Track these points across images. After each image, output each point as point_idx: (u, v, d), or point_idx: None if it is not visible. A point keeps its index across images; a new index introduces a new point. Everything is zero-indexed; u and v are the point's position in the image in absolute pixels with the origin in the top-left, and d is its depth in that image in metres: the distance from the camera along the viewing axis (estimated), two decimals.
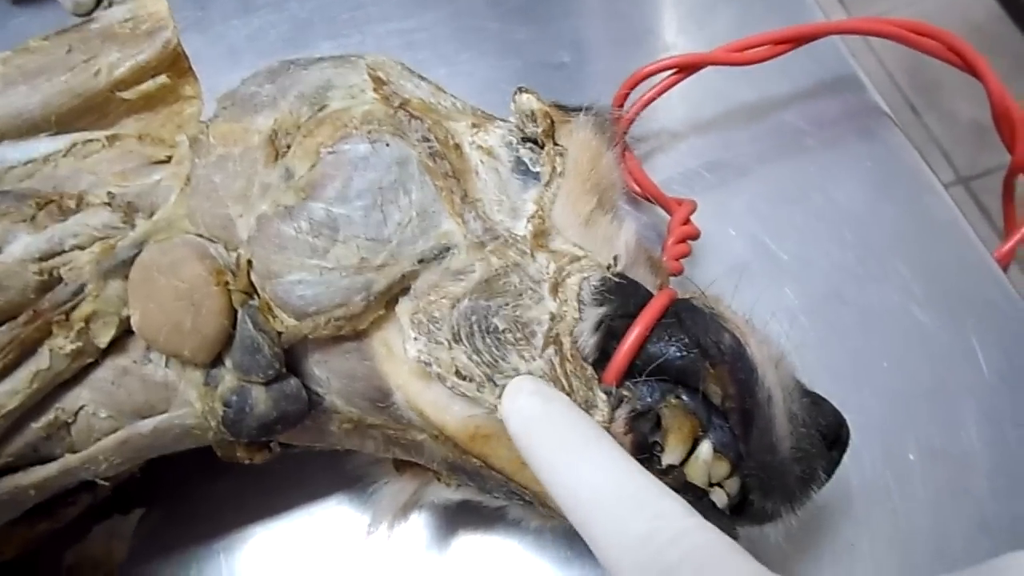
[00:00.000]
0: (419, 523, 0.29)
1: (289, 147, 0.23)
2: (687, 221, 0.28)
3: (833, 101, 0.34)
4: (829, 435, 0.21)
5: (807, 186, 0.33)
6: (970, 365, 0.29)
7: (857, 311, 0.30)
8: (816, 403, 0.22)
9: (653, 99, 0.31)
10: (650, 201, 0.31)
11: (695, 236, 0.28)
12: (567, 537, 0.28)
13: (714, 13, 0.38)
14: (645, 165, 0.33)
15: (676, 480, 0.21)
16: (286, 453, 0.25)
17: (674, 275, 0.26)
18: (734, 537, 0.16)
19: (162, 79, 0.28)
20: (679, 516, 0.15)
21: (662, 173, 0.33)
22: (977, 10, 1.35)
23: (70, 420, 0.23)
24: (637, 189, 0.31)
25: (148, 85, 0.28)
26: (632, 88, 0.31)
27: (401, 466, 0.26)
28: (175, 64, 0.28)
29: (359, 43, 0.38)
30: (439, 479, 0.25)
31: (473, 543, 0.28)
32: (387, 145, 0.22)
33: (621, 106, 0.31)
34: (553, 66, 0.37)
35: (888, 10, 1.38)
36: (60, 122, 0.27)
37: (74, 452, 0.23)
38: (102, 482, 0.24)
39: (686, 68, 0.31)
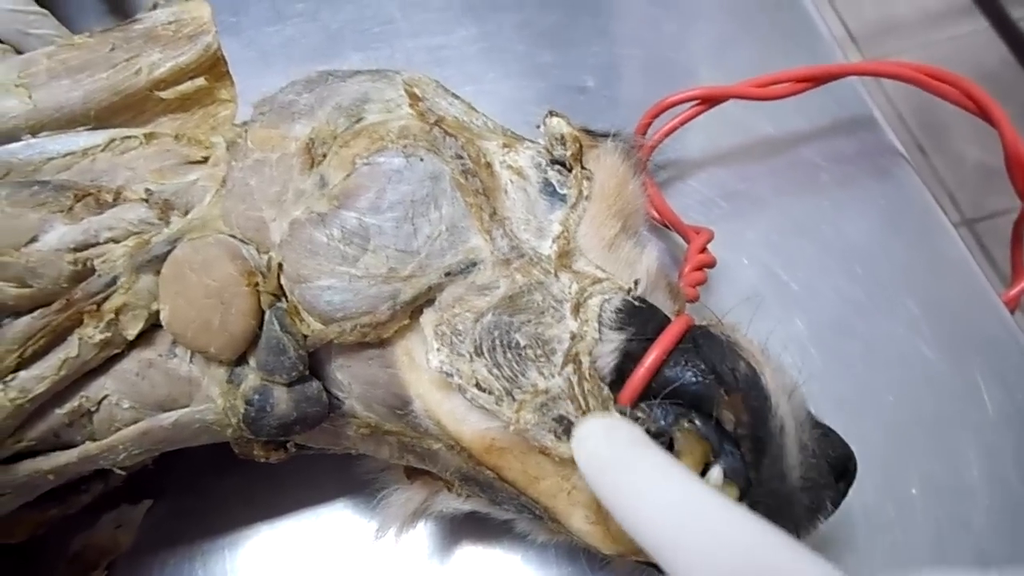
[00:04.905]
0: (423, 532, 0.29)
1: (325, 156, 0.23)
2: (704, 249, 0.28)
3: (849, 139, 0.35)
4: (837, 467, 0.22)
5: (820, 220, 0.34)
6: (973, 402, 0.30)
7: (864, 344, 0.31)
8: (826, 435, 0.22)
9: (675, 128, 0.32)
10: (668, 228, 0.32)
11: (711, 264, 0.28)
12: (570, 554, 0.28)
13: (735, 46, 0.39)
14: (664, 192, 0.34)
15: None
16: (299, 454, 0.26)
17: (690, 302, 0.27)
18: None
19: (200, 81, 0.29)
20: (768, 548, 0.15)
21: (680, 200, 0.34)
22: (989, 56, 1.36)
23: (93, 409, 0.24)
24: (656, 215, 0.32)
25: (186, 86, 0.28)
26: (655, 117, 0.32)
27: (412, 474, 0.26)
28: (214, 67, 0.29)
29: (388, 56, 0.39)
30: (450, 489, 0.25)
31: (476, 554, 0.29)
32: (421, 160, 0.22)
33: (644, 134, 0.32)
34: (576, 89, 0.38)
35: (900, 50, 1.40)
36: (99, 117, 0.28)
37: (94, 440, 0.24)
38: (118, 471, 0.25)
39: (709, 100, 0.32)
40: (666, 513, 0.16)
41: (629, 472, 0.17)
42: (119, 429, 0.24)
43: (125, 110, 0.28)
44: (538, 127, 0.38)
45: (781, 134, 0.35)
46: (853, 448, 0.23)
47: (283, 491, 0.30)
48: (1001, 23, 1.37)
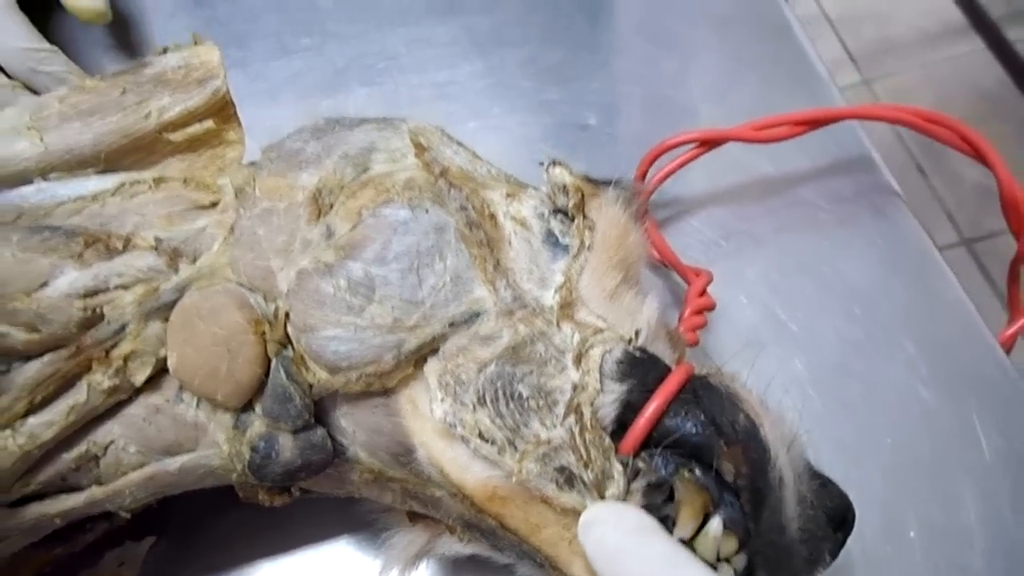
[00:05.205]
0: (425, 573, 0.29)
1: (332, 206, 0.24)
2: (704, 292, 0.29)
3: (847, 179, 0.35)
4: (835, 518, 0.22)
5: (818, 260, 0.34)
6: (970, 444, 0.30)
7: (863, 385, 0.31)
8: (824, 485, 0.22)
9: (675, 170, 0.32)
10: (668, 267, 0.32)
11: (711, 308, 0.29)
12: None
13: (736, 84, 0.40)
14: (664, 230, 0.35)
15: None
16: (303, 497, 0.26)
17: (690, 346, 0.27)
18: None
19: (208, 124, 0.29)
20: None
21: (680, 239, 0.34)
22: (987, 76, 1.38)
23: (100, 453, 0.24)
24: (656, 255, 0.32)
25: (194, 128, 0.29)
26: (656, 158, 0.32)
27: (414, 516, 0.26)
28: (222, 110, 0.29)
29: (393, 92, 0.40)
30: (452, 532, 0.25)
31: None
32: (427, 212, 0.23)
33: (644, 175, 0.32)
34: (579, 126, 0.39)
35: (899, 70, 1.41)
36: (108, 159, 0.28)
37: (101, 484, 0.24)
38: (124, 514, 0.25)
39: (708, 142, 0.32)
40: None
41: (636, 561, 0.18)
42: (125, 473, 0.24)
43: (134, 152, 0.29)
44: (541, 163, 0.39)
45: (780, 174, 0.36)
46: (852, 491, 0.24)
47: (285, 528, 0.30)
48: (998, 44, 1.38)
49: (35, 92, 0.37)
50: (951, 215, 1.25)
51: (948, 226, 1.24)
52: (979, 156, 0.33)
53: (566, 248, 0.24)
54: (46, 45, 0.37)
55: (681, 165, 0.32)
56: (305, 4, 0.43)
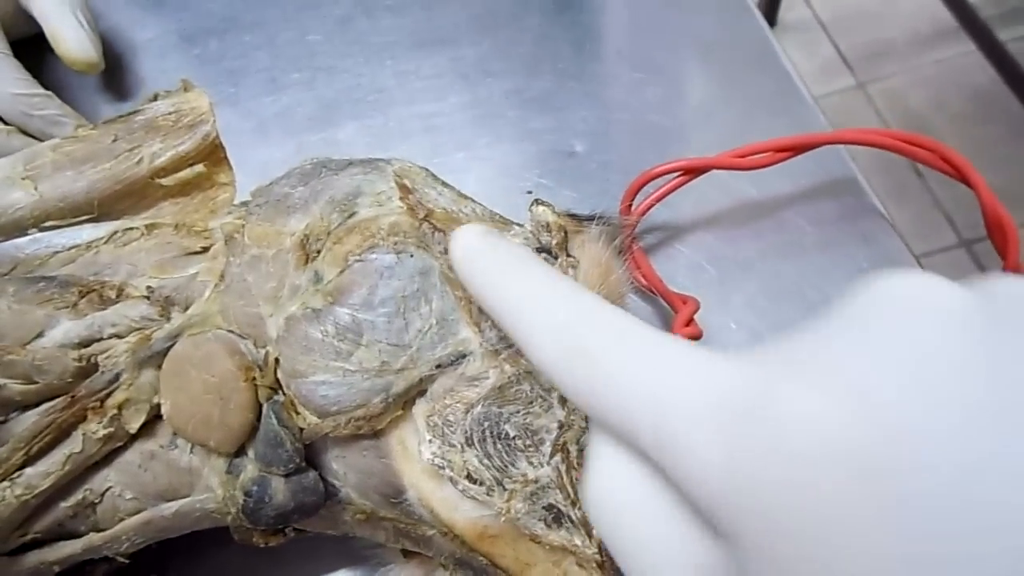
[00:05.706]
0: None
1: (319, 252, 0.24)
2: (690, 322, 0.29)
3: (832, 202, 0.36)
4: None
5: (804, 283, 0.34)
6: None
7: None
8: None
9: (659, 199, 0.33)
10: (656, 294, 0.33)
11: (697, 337, 0.29)
12: None
13: (721, 109, 0.40)
14: (651, 256, 0.35)
15: None
16: (297, 537, 0.26)
17: None
18: None
19: (199, 168, 0.30)
20: (598, 308, 0.17)
21: (667, 264, 0.35)
22: (981, 76, 1.38)
23: (97, 500, 0.24)
24: (643, 282, 0.33)
25: (186, 173, 0.30)
26: (640, 188, 0.33)
27: (408, 553, 0.27)
28: (212, 154, 0.30)
29: (383, 124, 0.40)
30: (445, 569, 0.26)
31: None
32: (411, 256, 0.23)
33: (630, 204, 0.33)
34: (566, 154, 0.39)
35: (893, 72, 1.42)
36: (102, 205, 0.29)
37: (98, 531, 0.25)
38: (122, 559, 0.26)
39: (692, 171, 0.33)
40: (518, 291, 0.18)
41: (497, 257, 0.19)
42: (122, 519, 0.24)
43: (127, 197, 0.29)
44: (529, 192, 0.39)
45: (766, 197, 0.36)
46: None
47: (284, 562, 0.31)
48: (989, 45, 1.39)
49: (30, 135, 0.38)
50: (949, 217, 1.25)
51: (947, 228, 1.24)
52: (961, 177, 0.33)
53: None
54: (40, 90, 0.38)
55: (665, 195, 0.33)
56: (295, 39, 0.43)
